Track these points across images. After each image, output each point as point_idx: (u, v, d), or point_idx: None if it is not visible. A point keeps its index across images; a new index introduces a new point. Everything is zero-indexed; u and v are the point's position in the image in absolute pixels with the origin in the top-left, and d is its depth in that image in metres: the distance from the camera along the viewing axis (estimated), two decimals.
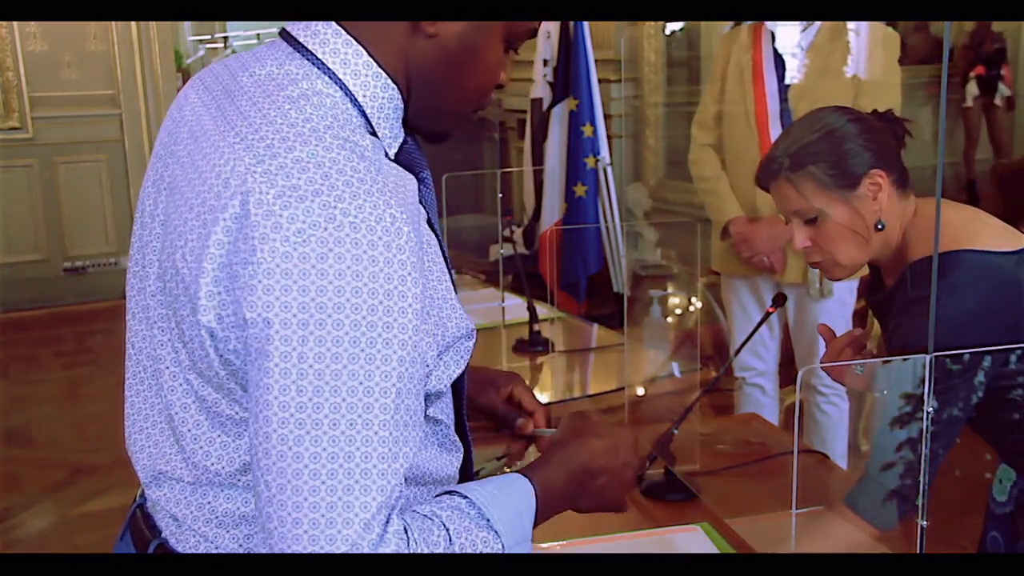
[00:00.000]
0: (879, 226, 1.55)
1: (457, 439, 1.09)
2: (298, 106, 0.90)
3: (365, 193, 0.85)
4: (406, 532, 0.88)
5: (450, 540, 0.91)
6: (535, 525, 1.00)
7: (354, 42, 0.96)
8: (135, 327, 1.07)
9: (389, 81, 0.97)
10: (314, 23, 0.98)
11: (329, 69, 0.95)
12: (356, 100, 0.95)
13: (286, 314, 0.82)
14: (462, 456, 1.10)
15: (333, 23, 0.97)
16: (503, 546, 0.95)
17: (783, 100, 2.70)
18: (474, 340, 1.00)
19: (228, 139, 0.90)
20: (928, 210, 1.57)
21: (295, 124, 0.88)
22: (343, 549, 0.83)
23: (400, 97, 0.99)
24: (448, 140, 1.06)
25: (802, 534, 1.50)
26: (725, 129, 2.84)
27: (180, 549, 1.01)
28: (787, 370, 3.03)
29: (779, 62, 2.73)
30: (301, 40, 0.97)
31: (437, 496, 0.99)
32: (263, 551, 0.86)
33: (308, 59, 0.96)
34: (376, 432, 0.84)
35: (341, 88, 0.95)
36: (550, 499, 1.02)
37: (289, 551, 0.83)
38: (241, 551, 0.98)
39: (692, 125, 2.94)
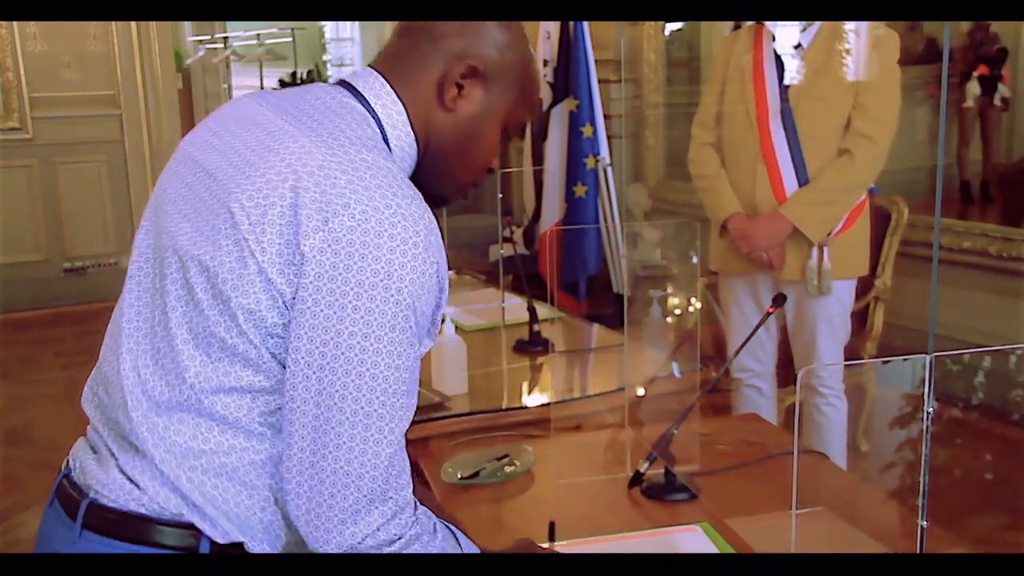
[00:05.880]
0: None
1: None
2: (363, 128, 1.14)
3: (414, 195, 1.08)
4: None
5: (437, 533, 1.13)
6: None
7: (399, 101, 1.19)
8: (132, 315, 1.18)
9: (414, 140, 1.20)
10: (369, 77, 1.20)
11: (376, 115, 1.18)
12: (390, 147, 1.17)
13: (332, 284, 1.02)
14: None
15: (380, 78, 1.19)
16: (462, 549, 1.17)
17: (784, 100, 2.70)
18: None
19: (303, 132, 1.11)
20: None
21: (363, 139, 1.12)
22: (383, 471, 1.05)
23: (415, 156, 1.21)
24: (445, 206, 1.28)
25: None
26: (725, 128, 2.84)
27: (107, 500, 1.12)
28: (784, 371, 3.02)
29: (779, 62, 2.73)
30: (359, 88, 1.20)
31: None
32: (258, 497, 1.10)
33: (360, 102, 1.18)
34: (393, 400, 1.05)
35: (381, 133, 1.17)
36: None
37: (325, 485, 1.04)
38: (191, 487, 1.09)
39: (693, 125, 2.94)
